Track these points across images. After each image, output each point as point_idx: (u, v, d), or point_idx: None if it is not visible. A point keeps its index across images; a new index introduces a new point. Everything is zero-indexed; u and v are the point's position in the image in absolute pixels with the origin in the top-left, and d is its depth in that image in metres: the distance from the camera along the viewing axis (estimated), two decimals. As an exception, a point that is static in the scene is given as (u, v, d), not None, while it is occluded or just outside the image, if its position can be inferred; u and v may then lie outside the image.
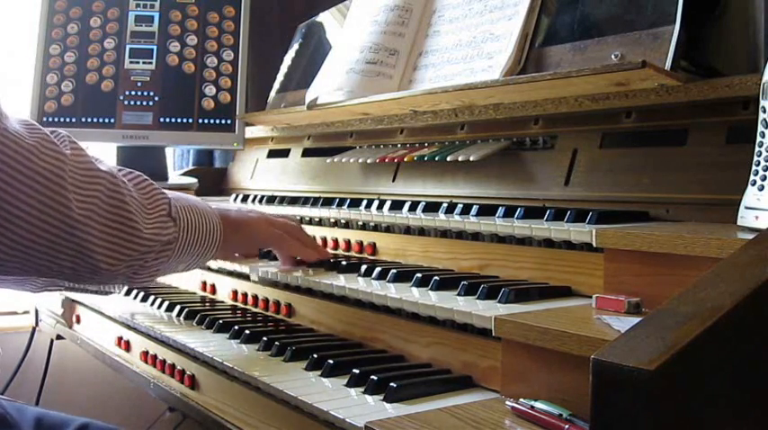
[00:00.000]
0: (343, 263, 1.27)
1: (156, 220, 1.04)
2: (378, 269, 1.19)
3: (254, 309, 1.47)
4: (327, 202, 1.50)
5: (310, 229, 1.51)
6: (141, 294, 1.62)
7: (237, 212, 1.25)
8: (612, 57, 1.12)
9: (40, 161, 0.90)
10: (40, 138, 0.92)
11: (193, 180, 2.05)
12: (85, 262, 0.96)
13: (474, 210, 1.19)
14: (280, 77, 2.00)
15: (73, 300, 1.79)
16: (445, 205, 1.27)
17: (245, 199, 1.76)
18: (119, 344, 1.52)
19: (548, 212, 1.09)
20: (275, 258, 1.38)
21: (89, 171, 0.96)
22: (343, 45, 1.60)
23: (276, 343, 1.14)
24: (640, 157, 1.11)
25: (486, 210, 1.18)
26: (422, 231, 1.29)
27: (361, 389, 0.93)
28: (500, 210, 1.16)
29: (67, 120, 1.93)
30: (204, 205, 1.17)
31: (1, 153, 0.87)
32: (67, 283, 1.13)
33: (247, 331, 1.23)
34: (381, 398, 0.90)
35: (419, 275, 1.11)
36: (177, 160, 2.53)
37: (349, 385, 0.96)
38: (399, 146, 1.53)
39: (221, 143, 1.99)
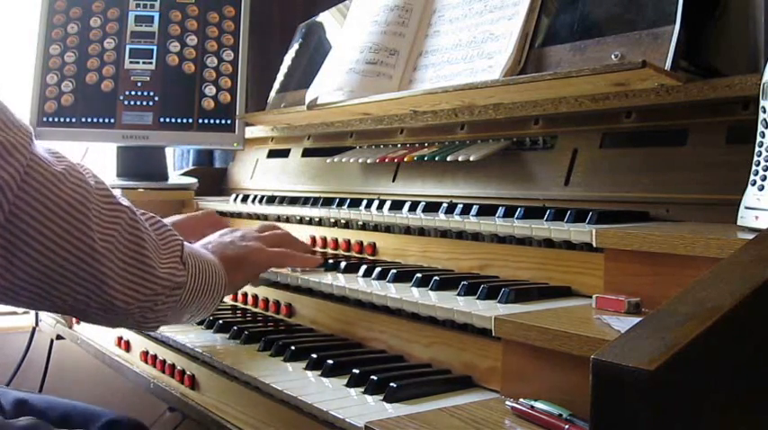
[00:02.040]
0: (343, 263, 1.27)
1: (169, 261, 1.01)
2: (378, 269, 1.19)
3: (254, 309, 1.47)
4: (327, 202, 1.50)
5: (310, 229, 1.52)
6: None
7: (233, 245, 1.20)
8: (612, 57, 1.12)
9: (67, 189, 0.88)
10: (67, 165, 0.90)
11: (193, 180, 2.05)
12: (101, 297, 0.93)
13: (474, 210, 1.19)
14: (280, 77, 2.00)
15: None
16: (445, 205, 1.27)
17: (245, 199, 1.76)
18: (119, 345, 1.52)
19: (548, 212, 1.09)
20: None
21: (111, 204, 0.94)
22: (343, 45, 1.60)
23: (276, 343, 1.14)
24: (640, 157, 1.11)
25: (486, 210, 1.18)
26: (422, 231, 1.29)
27: (361, 389, 0.94)
28: (500, 210, 1.16)
29: (67, 120, 1.93)
30: (205, 253, 1.13)
31: (30, 177, 0.85)
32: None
33: (247, 331, 1.23)
34: (381, 398, 0.90)
35: (419, 275, 1.11)
36: (177, 160, 2.53)
37: (349, 385, 0.96)
38: (399, 146, 1.53)
39: (221, 143, 1.99)
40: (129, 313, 0.97)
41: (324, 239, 1.48)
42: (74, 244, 0.89)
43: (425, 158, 1.35)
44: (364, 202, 1.44)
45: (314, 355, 1.06)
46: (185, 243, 1.08)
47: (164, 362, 1.32)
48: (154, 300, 0.99)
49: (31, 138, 0.86)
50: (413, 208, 1.29)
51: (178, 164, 2.51)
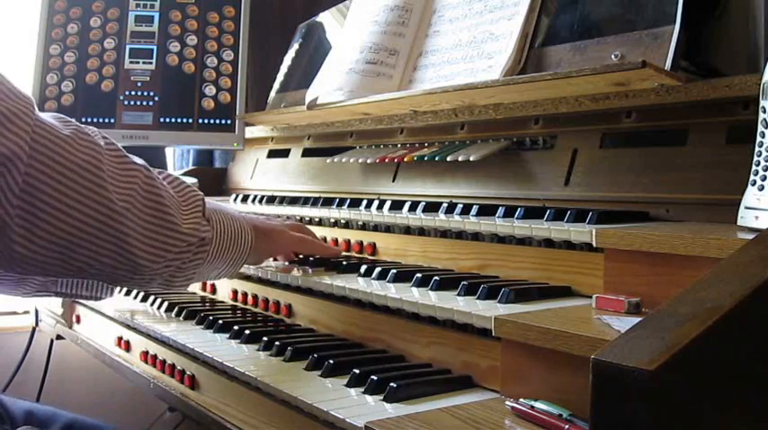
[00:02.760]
0: (343, 263, 1.28)
1: (191, 217, 1.00)
2: (378, 269, 1.19)
3: (254, 309, 1.47)
4: (327, 202, 1.50)
5: (310, 229, 1.51)
6: (141, 294, 1.62)
7: (263, 222, 1.23)
8: (612, 57, 1.12)
9: (77, 152, 0.87)
10: (75, 129, 0.90)
11: (193, 180, 2.05)
12: (126, 258, 0.93)
13: (474, 210, 1.19)
14: (280, 77, 2.00)
15: (73, 301, 1.79)
16: (445, 205, 1.27)
17: (245, 199, 1.76)
18: (119, 344, 1.52)
19: (548, 212, 1.09)
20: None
21: (124, 163, 0.93)
22: (343, 45, 1.60)
23: (276, 343, 1.14)
24: (640, 157, 1.11)
25: (486, 210, 1.18)
26: (422, 231, 1.29)
27: (362, 389, 0.94)
28: (500, 210, 1.16)
29: (67, 120, 1.92)
30: (234, 212, 1.15)
31: (38, 144, 0.84)
32: (56, 289, 1.11)
33: (247, 331, 1.23)
34: (381, 398, 0.90)
35: (419, 275, 1.11)
36: (177, 160, 2.53)
37: (349, 385, 0.96)
38: (399, 146, 1.53)
39: (221, 143, 1.99)
40: (155, 273, 0.97)
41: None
42: (92, 205, 0.88)
43: (425, 158, 1.35)
44: (364, 202, 1.44)
45: (314, 355, 1.06)
46: (209, 200, 1.09)
47: (164, 362, 1.32)
48: (181, 257, 0.99)
49: (32, 105, 0.86)
50: (413, 208, 1.29)
51: (178, 164, 2.51)
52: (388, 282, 1.15)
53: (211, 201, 1.12)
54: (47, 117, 0.89)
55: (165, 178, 1.02)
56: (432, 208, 1.28)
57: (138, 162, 0.96)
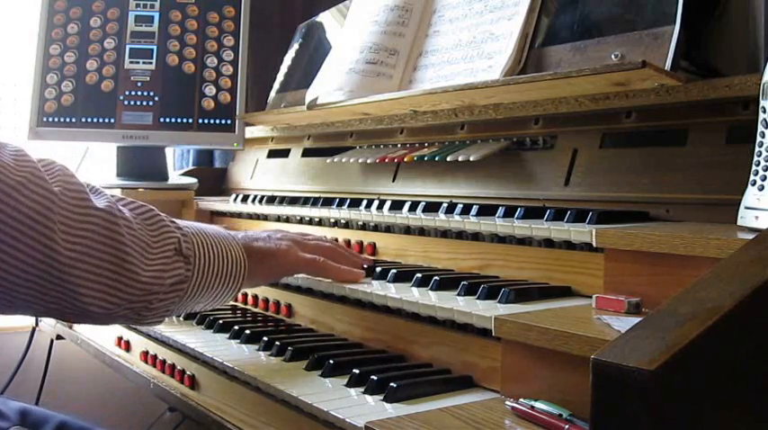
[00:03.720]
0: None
1: (160, 260, 0.96)
2: (378, 269, 1.19)
3: (254, 309, 1.47)
4: (327, 202, 1.50)
5: (310, 229, 1.51)
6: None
7: (266, 241, 1.15)
8: (612, 57, 1.12)
9: (24, 199, 0.84)
10: (28, 172, 0.86)
11: (193, 180, 2.05)
12: (74, 304, 0.90)
13: (474, 210, 1.19)
14: (280, 77, 2.00)
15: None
16: (445, 205, 1.27)
17: (245, 199, 1.76)
18: (119, 345, 1.52)
19: (548, 212, 1.09)
20: None
21: (82, 209, 0.90)
22: (343, 45, 1.60)
23: (276, 343, 1.14)
24: (640, 157, 1.11)
25: (486, 210, 1.18)
26: (422, 231, 1.29)
27: (362, 389, 0.94)
28: (500, 210, 1.16)
29: (67, 120, 1.93)
30: (227, 237, 1.08)
31: None
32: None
33: (247, 331, 1.23)
34: (381, 398, 0.90)
35: (419, 275, 1.11)
36: (177, 160, 2.53)
37: (349, 385, 0.96)
38: (399, 146, 1.53)
39: (221, 143, 1.99)
40: (114, 315, 0.94)
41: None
42: (34, 256, 0.85)
43: (425, 158, 1.35)
44: (364, 202, 1.44)
45: (314, 355, 1.06)
46: (202, 228, 1.05)
47: (164, 362, 1.32)
48: (147, 299, 0.95)
49: None
50: (413, 208, 1.29)
51: (178, 164, 2.51)
52: (388, 281, 1.15)
53: (204, 227, 1.07)
54: (4, 154, 0.85)
55: (140, 214, 0.98)
56: (432, 208, 1.28)
57: (100, 205, 0.92)
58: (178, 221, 1.04)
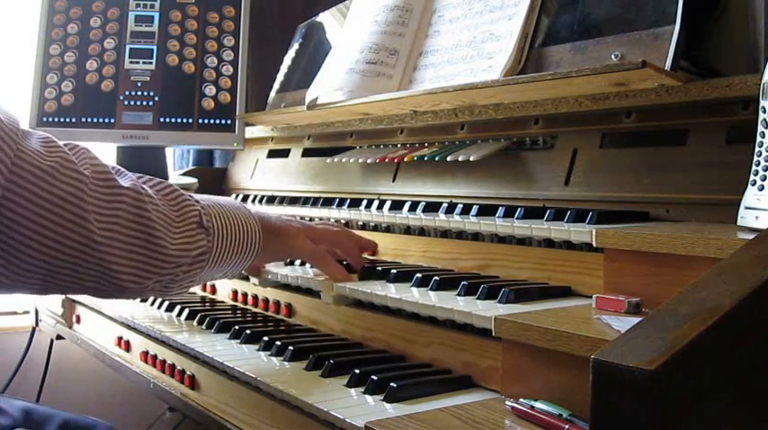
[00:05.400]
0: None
1: (184, 234, 1.00)
2: (378, 269, 1.19)
3: (255, 310, 1.47)
4: (327, 202, 1.50)
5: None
6: (141, 294, 1.62)
7: (278, 219, 1.20)
8: (612, 57, 1.12)
9: (58, 183, 0.87)
10: (59, 157, 0.88)
11: (193, 180, 2.05)
12: (110, 282, 0.93)
13: (474, 210, 1.19)
14: (280, 77, 2.00)
15: (73, 300, 1.79)
16: (445, 205, 1.27)
17: (245, 199, 1.76)
18: (119, 345, 1.52)
19: (548, 212, 1.09)
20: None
21: (111, 189, 0.93)
22: (343, 45, 1.60)
23: (276, 343, 1.14)
24: (640, 157, 1.11)
25: (486, 210, 1.18)
26: (422, 231, 1.29)
27: (362, 389, 0.94)
28: (500, 210, 1.16)
29: (67, 120, 1.93)
30: (244, 210, 1.12)
31: (16, 176, 0.84)
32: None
33: (248, 331, 1.23)
34: (381, 398, 0.90)
35: (419, 275, 1.11)
36: (177, 160, 2.53)
37: (349, 385, 0.96)
38: (399, 146, 1.53)
39: (221, 143, 1.99)
40: (145, 289, 0.98)
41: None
42: (71, 238, 0.88)
43: (425, 158, 1.35)
44: (364, 202, 1.44)
45: (314, 355, 1.06)
46: (217, 200, 1.08)
47: (164, 362, 1.32)
48: (173, 272, 0.99)
49: (16, 131, 0.85)
50: (413, 208, 1.29)
51: (178, 164, 2.51)
52: (388, 281, 1.15)
53: (220, 199, 1.10)
54: (33, 142, 0.87)
55: (161, 190, 1.01)
56: (432, 208, 1.28)
57: (126, 184, 0.95)
58: (195, 196, 1.07)
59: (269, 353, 1.14)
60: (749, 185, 0.88)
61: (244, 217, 1.10)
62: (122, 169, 0.99)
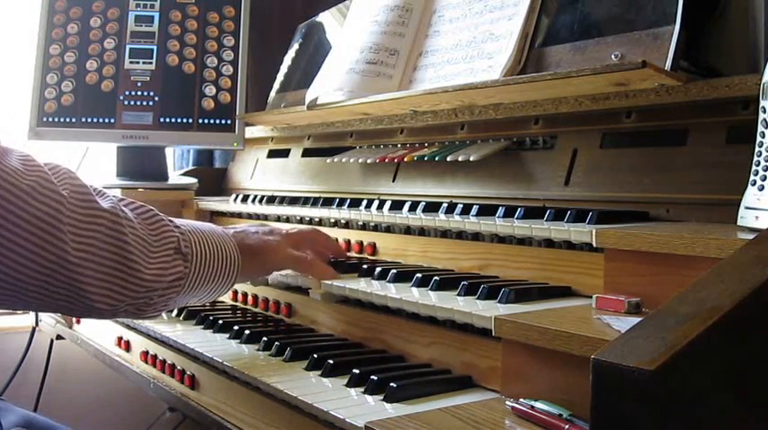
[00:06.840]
0: (343, 263, 1.27)
1: (161, 259, 1.00)
2: (378, 269, 1.19)
3: (255, 310, 1.47)
4: (327, 202, 1.50)
5: (310, 229, 1.51)
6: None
7: (256, 237, 1.19)
8: (612, 57, 1.12)
9: (36, 203, 0.87)
10: (37, 177, 0.88)
11: (193, 180, 2.05)
12: (82, 302, 0.94)
13: (474, 210, 1.19)
14: (280, 77, 2.00)
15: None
16: (445, 205, 1.27)
17: (245, 199, 1.76)
18: (119, 345, 1.52)
19: (548, 212, 1.09)
20: None
21: (89, 210, 0.93)
22: (343, 45, 1.60)
23: (276, 343, 1.14)
24: (640, 157, 1.11)
25: (486, 210, 1.18)
26: (422, 231, 1.29)
27: (362, 389, 0.94)
28: (500, 210, 1.16)
29: (67, 120, 1.93)
30: (221, 234, 1.12)
31: None
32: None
33: (247, 331, 1.23)
34: (381, 398, 0.90)
35: (419, 275, 1.11)
36: (177, 160, 2.53)
37: (349, 385, 0.96)
38: (399, 146, 1.53)
39: (221, 143, 1.99)
40: (118, 311, 0.98)
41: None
42: (46, 257, 0.88)
43: (425, 158, 1.35)
44: (364, 202, 1.44)
45: (314, 355, 1.06)
46: (197, 226, 1.08)
47: (164, 362, 1.32)
48: (147, 296, 0.99)
49: None
50: (413, 208, 1.29)
51: (178, 164, 2.51)
52: (388, 282, 1.15)
53: (200, 225, 1.11)
54: (12, 160, 0.87)
55: (141, 213, 1.01)
56: (432, 208, 1.28)
57: (105, 206, 0.95)
58: (176, 220, 1.07)
59: (269, 353, 1.14)
60: (749, 185, 0.88)
61: (222, 243, 1.11)
62: (104, 191, 0.99)
